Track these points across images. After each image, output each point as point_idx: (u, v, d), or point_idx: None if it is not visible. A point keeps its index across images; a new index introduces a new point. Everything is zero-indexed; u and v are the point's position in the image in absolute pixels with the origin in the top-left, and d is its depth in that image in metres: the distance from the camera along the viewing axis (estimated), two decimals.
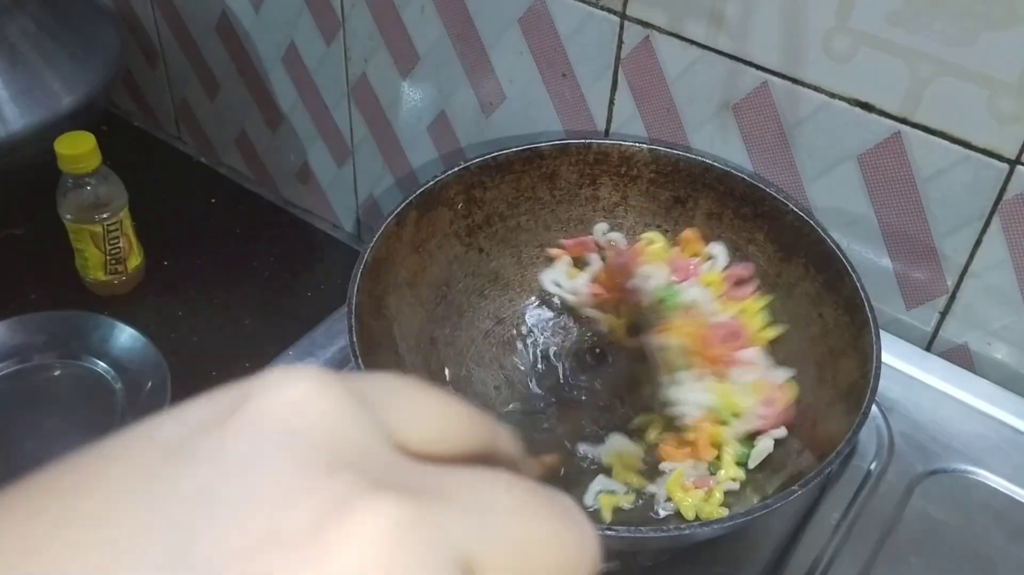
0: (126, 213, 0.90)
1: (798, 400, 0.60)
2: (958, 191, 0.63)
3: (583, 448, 0.62)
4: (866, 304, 0.57)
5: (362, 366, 0.54)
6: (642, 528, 0.48)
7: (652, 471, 0.61)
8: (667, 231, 0.69)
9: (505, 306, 0.69)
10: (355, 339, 0.55)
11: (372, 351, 0.57)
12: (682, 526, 0.48)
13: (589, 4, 0.71)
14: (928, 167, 0.63)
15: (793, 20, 0.63)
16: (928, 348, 0.71)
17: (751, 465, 0.59)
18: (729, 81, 0.68)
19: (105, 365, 0.87)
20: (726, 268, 0.66)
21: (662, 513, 0.58)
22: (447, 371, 0.64)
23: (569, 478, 0.60)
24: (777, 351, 0.64)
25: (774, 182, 0.68)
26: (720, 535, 0.55)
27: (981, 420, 0.66)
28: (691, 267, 0.66)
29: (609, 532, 0.47)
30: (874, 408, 0.63)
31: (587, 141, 0.68)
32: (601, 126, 0.76)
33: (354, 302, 0.56)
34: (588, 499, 0.58)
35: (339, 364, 0.69)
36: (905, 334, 0.71)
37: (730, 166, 0.66)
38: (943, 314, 0.69)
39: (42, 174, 0.90)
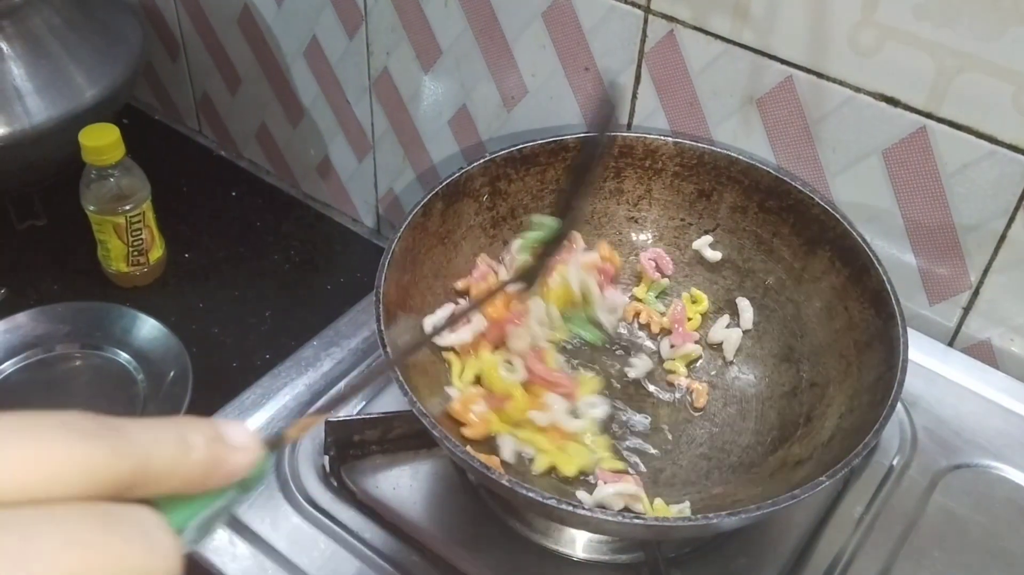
0: (149, 205, 0.91)
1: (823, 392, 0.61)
2: (983, 186, 0.63)
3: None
4: (892, 297, 0.57)
5: (389, 355, 0.54)
6: (668, 518, 0.49)
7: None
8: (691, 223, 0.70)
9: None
10: (382, 328, 0.55)
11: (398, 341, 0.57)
12: (710, 515, 0.48)
13: None
14: (953, 162, 0.63)
15: (819, 14, 0.63)
16: (951, 344, 0.71)
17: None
18: (753, 75, 0.68)
19: (127, 355, 0.87)
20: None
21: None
22: None
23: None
24: (801, 345, 0.64)
25: (798, 177, 0.68)
26: (745, 525, 0.55)
27: (1004, 416, 0.66)
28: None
29: (637, 521, 0.47)
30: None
31: (612, 134, 0.68)
32: (623, 120, 0.77)
33: (381, 291, 0.57)
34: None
35: (364, 354, 0.69)
36: (928, 330, 0.71)
37: (755, 159, 0.66)
38: (966, 310, 0.69)
39: (65, 166, 0.91)
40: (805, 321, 0.64)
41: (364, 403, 0.66)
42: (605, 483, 0.57)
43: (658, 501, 0.57)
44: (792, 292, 0.65)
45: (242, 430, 0.30)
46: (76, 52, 0.92)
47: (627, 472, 0.59)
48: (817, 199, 0.63)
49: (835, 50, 0.64)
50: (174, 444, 0.27)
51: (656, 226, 0.70)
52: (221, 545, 0.57)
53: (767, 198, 0.66)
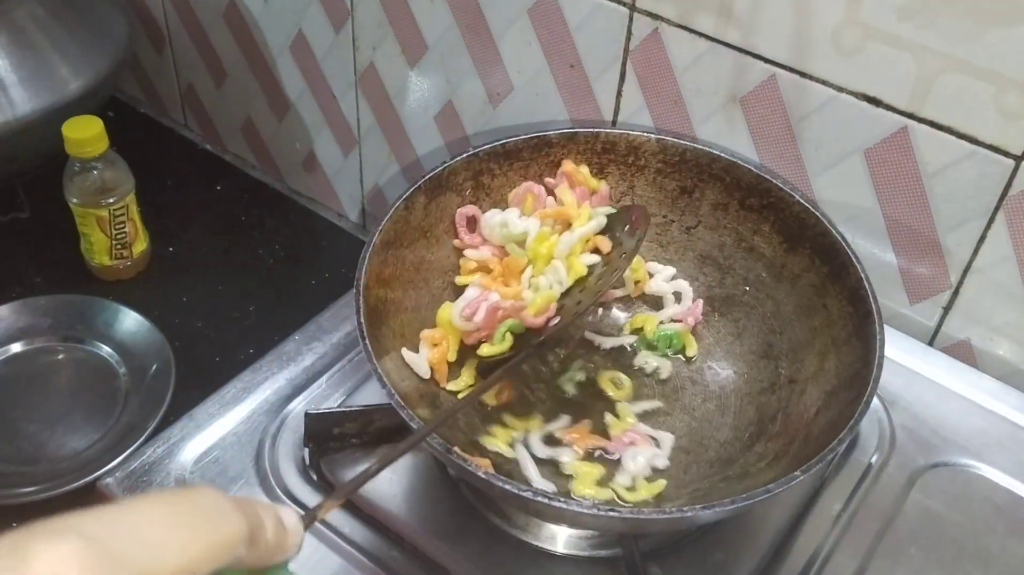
0: (132, 198, 0.90)
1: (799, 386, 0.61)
2: (963, 186, 0.64)
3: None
4: (870, 294, 0.58)
5: (369, 348, 0.54)
6: (644, 510, 0.49)
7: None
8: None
9: None
10: (362, 320, 0.55)
11: (378, 334, 0.57)
12: (684, 508, 0.48)
13: None
14: (934, 162, 0.64)
15: (802, 13, 0.63)
16: (931, 343, 0.72)
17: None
18: (737, 74, 0.68)
19: (109, 349, 0.87)
20: None
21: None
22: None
23: None
24: (780, 341, 0.64)
25: (780, 175, 0.68)
26: (722, 519, 0.55)
27: (982, 415, 0.67)
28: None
29: (612, 514, 0.47)
30: (876, 401, 0.64)
31: (595, 130, 0.68)
32: (608, 117, 0.77)
33: (362, 283, 0.57)
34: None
35: (345, 349, 0.69)
36: (908, 329, 0.71)
37: (737, 157, 0.67)
38: (946, 309, 0.70)
39: (49, 158, 0.90)
40: (784, 318, 0.64)
41: (344, 396, 0.66)
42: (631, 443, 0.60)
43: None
44: (772, 289, 0.65)
45: (292, 513, 0.36)
46: (61, 44, 0.92)
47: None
48: (798, 197, 0.64)
49: (818, 50, 0.64)
50: (270, 519, 0.33)
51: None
52: None
53: (748, 196, 0.66)
